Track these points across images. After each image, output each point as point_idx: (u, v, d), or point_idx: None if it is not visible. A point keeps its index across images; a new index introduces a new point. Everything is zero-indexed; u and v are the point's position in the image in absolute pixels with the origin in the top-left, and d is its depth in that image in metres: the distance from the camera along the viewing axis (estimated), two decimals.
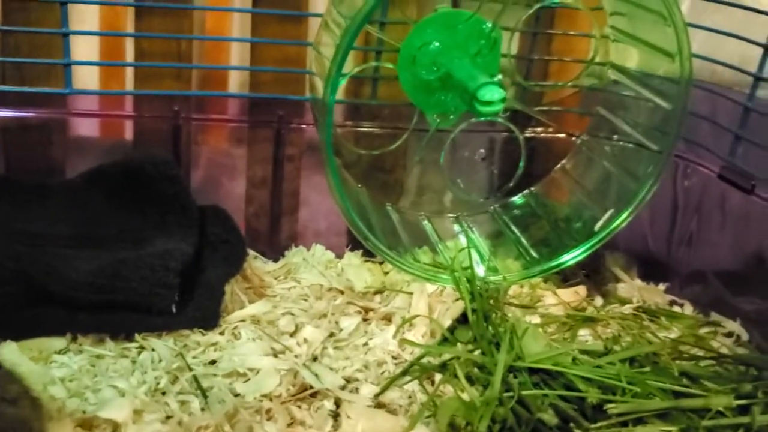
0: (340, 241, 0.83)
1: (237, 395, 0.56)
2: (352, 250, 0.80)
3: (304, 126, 0.79)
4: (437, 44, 0.70)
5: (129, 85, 0.83)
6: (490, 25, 0.70)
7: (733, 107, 0.72)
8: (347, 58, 0.79)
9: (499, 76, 0.71)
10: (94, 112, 0.77)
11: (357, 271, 0.76)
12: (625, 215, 0.70)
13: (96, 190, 0.70)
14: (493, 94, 0.64)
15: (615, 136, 0.75)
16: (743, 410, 0.54)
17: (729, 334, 0.70)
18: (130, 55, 0.82)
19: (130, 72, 0.82)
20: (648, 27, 0.67)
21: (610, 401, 0.53)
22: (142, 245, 0.63)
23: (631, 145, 0.74)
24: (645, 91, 0.71)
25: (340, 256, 0.80)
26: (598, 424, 0.51)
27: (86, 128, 0.82)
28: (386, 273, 0.77)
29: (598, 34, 0.73)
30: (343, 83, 0.88)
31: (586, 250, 0.71)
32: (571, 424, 0.52)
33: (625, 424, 0.52)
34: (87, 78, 0.88)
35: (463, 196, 0.80)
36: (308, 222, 0.86)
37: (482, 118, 0.72)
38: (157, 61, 0.80)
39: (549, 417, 0.51)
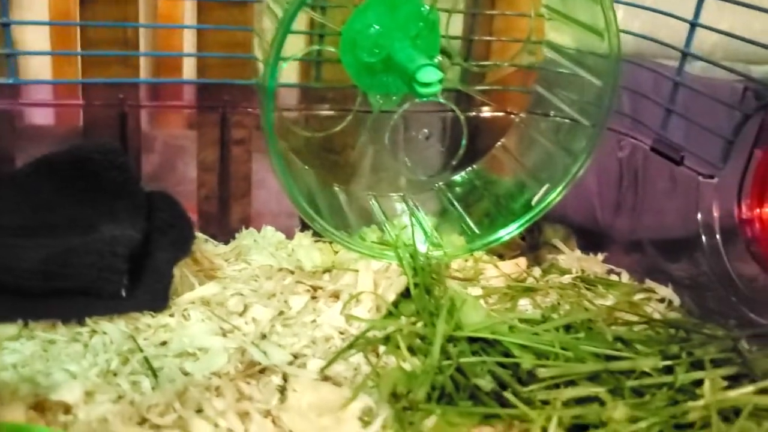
0: (293, 222, 0.85)
1: (187, 374, 0.57)
2: (302, 231, 0.82)
3: (250, 110, 0.81)
4: (377, 27, 0.72)
5: (78, 72, 0.83)
6: (428, 7, 0.72)
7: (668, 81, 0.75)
8: (293, 42, 0.81)
9: (439, 58, 0.73)
10: (40, 102, 0.77)
11: (307, 251, 0.78)
12: (559, 190, 0.72)
13: (44, 179, 0.70)
14: (431, 76, 0.66)
15: (552, 113, 0.78)
16: (670, 370, 0.57)
17: (662, 300, 0.74)
18: (78, 43, 0.82)
19: (80, 60, 0.83)
20: (579, 5, 0.70)
21: (544, 366, 0.56)
22: (90, 232, 0.64)
23: (567, 121, 0.76)
24: (578, 68, 0.73)
25: (291, 237, 0.82)
26: (530, 387, 0.53)
27: (35, 117, 0.82)
28: (336, 252, 0.79)
29: (533, 13, 0.75)
30: (286, 67, 0.90)
31: (522, 225, 0.74)
32: (506, 389, 0.54)
33: (557, 387, 0.55)
34: (39, 67, 0.88)
35: (408, 175, 0.83)
36: (260, 205, 0.87)
37: (422, 99, 0.74)
38: (104, 48, 0.80)
39: (484, 383, 0.54)
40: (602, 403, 0.52)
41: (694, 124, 0.71)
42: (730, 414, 0.50)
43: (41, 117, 0.82)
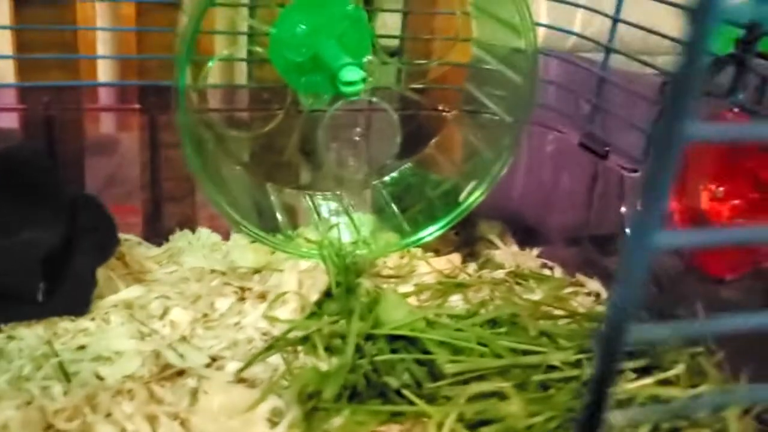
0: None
1: (101, 379, 0.57)
2: (238, 232, 0.82)
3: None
4: (304, 27, 0.72)
5: (10, 77, 0.83)
6: (352, 6, 0.72)
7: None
8: (227, 42, 0.81)
9: (369, 57, 0.73)
10: None
11: (242, 252, 0.78)
12: (483, 188, 0.73)
13: None
14: (353, 75, 0.67)
15: (481, 111, 0.78)
16: (581, 365, 0.58)
17: (590, 294, 0.74)
18: (9, 47, 0.82)
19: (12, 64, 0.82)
20: (498, 2, 0.70)
21: (456, 362, 0.56)
22: (7, 236, 0.64)
23: (496, 117, 0.77)
24: (501, 65, 0.73)
25: (228, 238, 0.81)
26: (437, 384, 0.54)
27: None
28: (273, 253, 0.78)
29: (459, 11, 0.76)
30: (226, 67, 0.90)
31: (447, 223, 0.74)
32: (420, 387, 0.54)
33: (467, 383, 0.55)
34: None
35: (343, 174, 0.83)
36: (202, 206, 0.87)
37: (348, 98, 0.74)
38: (41, 51, 0.80)
39: (392, 380, 0.54)
40: (505, 398, 0.52)
41: (617, 118, 0.71)
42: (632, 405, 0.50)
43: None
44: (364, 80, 0.68)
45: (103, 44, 1.00)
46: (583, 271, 0.78)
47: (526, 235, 0.84)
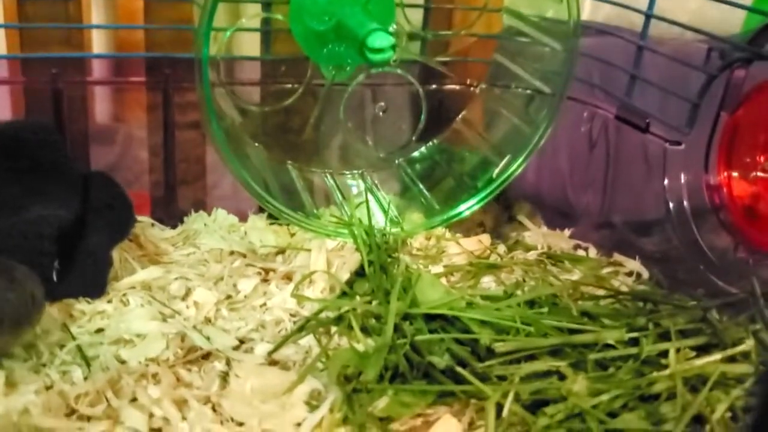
0: (248, 206, 0.81)
1: (123, 362, 0.53)
2: (256, 213, 0.78)
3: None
4: None
5: (15, 50, 0.79)
6: None
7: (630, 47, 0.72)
8: (243, 12, 0.77)
9: (394, 26, 0.70)
10: None
11: (261, 233, 0.74)
12: (520, 161, 0.69)
13: None
14: (383, 41, 0.63)
15: (513, 84, 0.75)
16: (636, 343, 0.54)
17: (630, 274, 0.71)
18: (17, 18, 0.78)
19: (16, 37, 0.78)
20: None
21: (503, 341, 0.53)
22: (19, 214, 0.60)
23: (528, 91, 0.73)
24: (537, 34, 0.70)
25: (245, 220, 0.78)
26: (487, 363, 0.50)
27: None
28: (293, 235, 0.75)
29: None
30: (248, 39, 0.85)
31: (482, 199, 0.71)
32: (464, 367, 0.51)
33: (517, 362, 0.52)
34: None
35: (367, 152, 0.79)
36: (215, 188, 0.84)
37: (378, 69, 0.71)
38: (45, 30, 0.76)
39: (439, 360, 0.51)
40: (563, 378, 0.48)
41: (659, 89, 0.68)
42: (699, 384, 0.47)
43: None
44: (393, 47, 0.64)
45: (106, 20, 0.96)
46: (618, 251, 0.74)
47: (557, 216, 0.81)
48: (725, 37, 0.65)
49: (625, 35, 0.72)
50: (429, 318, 0.57)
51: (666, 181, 0.68)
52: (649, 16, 0.69)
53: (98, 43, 0.84)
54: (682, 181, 0.67)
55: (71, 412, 0.48)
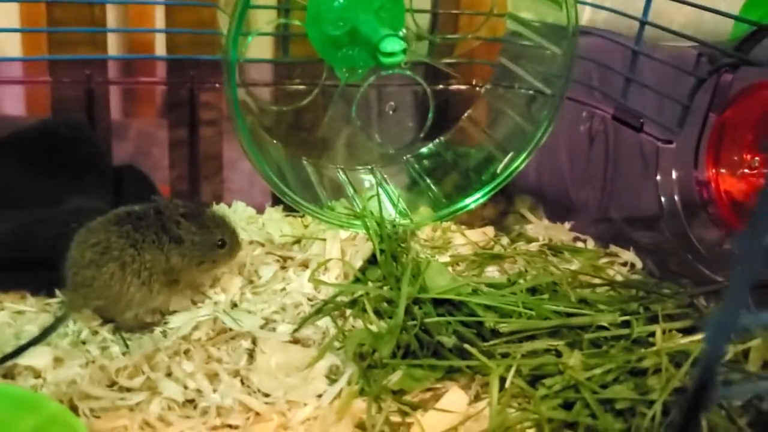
0: (264, 199, 0.86)
1: (156, 341, 0.58)
2: (273, 205, 0.83)
3: (218, 85, 0.81)
4: (341, 0, 0.73)
5: (45, 52, 0.83)
6: None
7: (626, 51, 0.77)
8: (263, 18, 0.81)
9: (404, 30, 0.74)
10: (8, 79, 0.77)
11: (277, 224, 0.79)
12: (522, 157, 0.74)
13: (11, 155, 0.71)
14: (394, 45, 0.67)
15: (516, 85, 0.79)
16: (628, 325, 0.59)
17: (625, 264, 0.76)
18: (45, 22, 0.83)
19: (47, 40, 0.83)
20: None
21: (506, 323, 0.58)
22: (58, 205, 0.65)
23: (530, 92, 0.78)
24: (539, 38, 0.74)
25: (262, 212, 0.82)
26: (492, 342, 0.55)
27: (14, 95, 0.82)
28: (306, 226, 0.79)
29: None
30: (261, 42, 0.90)
31: (487, 193, 0.76)
32: (467, 345, 0.55)
33: (519, 342, 0.57)
34: (11, 47, 0.88)
35: (377, 148, 0.84)
36: (232, 183, 0.88)
37: (388, 71, 0.75)
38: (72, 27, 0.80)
39: (447, 339, 0.55)
40: (560, 356, 0.53)
41: (652, 91, 0.73)
42: (682, 360, 0.52)
43: (7, 96, 0.82)
44: (404, 51, 0.69)
45: (123, 23, 1.00)
46: (615, 243, 0.79)
47: (557, 209, 0.85)
48: (714, 43, 0.69)
49: (621, 40, 0.77)
50: (437, 303, 0.62)
51: (658, 178, 0.73)
52: (643, 22, 0.74)
53: (115, 43, 0.88)
54: (674, 177, 0.72)
55: (112, 384, 0.53)
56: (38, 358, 0.54)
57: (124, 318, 0.59)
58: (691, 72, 0.69)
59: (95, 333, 0.59)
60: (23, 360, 0.53)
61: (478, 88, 0.85)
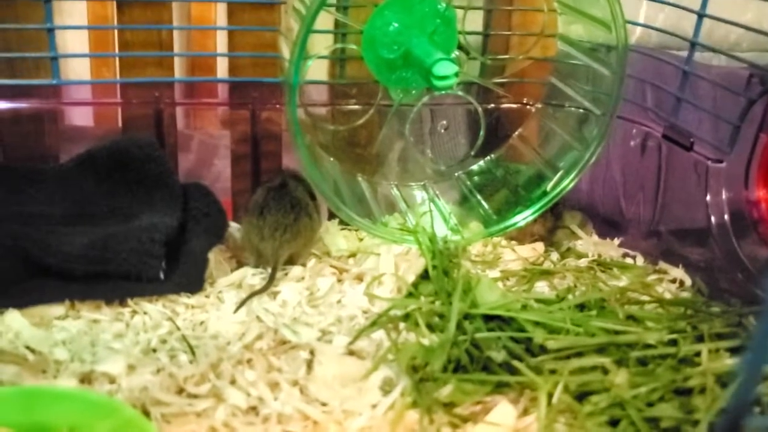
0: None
1: (221, 350, 0.62)
2: (329, 219, 0.86)
3: (278, 106, 0.85)
4: (396, 25, 0.76)
5: (117, 73, 0.88)
6: (444, 5, 0.75)
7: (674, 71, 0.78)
8: (320, 41, 0.85)
9: (456, 53, 0.77)
10: (81, 101, 0.83)
11: (333, 238, 0.82)
12: (572, 176, 0.76)
13: (86, 173, 0.75)
14: (447, 69, 0.70)
15: (566, 104, 0.81)
16: (675, 343, 0.60)
17: (674, 281, 0.76)
18: (116, 47, 0.88)
19: (116, 62, 0.88)
20: (589, 0, 0.73)
21: (554, 340, 0.59)
22: (130, 221, 0.69)
23: (580, 110, 0.79)
24: (589, 59, 0.76)
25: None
26: (540, 358, 0.57)
27: (77, 117, 0.87)
28: (361, 240, 0.83)
29: (546, 8, 0.79)
30: (316, 64, 0.94)
31: (537, 210, 0.78)
32: (516, 361, 0.57)
33: (567, 359, 0.58)
34: (78, 70, 0.93)
35: (429, 165, 0.86)
36: None
37: (440, 92, 0.78)
38: (140, 50, 0.85)
39: (496, 354, 0.58)
40: (607, 373, 0.55)
41: (703, 111, 0.73)
42: (729, 381, 0.53)
43: (78, 117, 0.87)
44: (456, 74, 0.71)
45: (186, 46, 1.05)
46: (664, 260, 0.80)
47: (607, 226, 0.86)
48: (766, 65, 0.70)
49: (672, 59, 0.78)
50: (487, 318, 0.64)
51: (708, 197, 0.74)
52: (693, 43, 0.75)
53: (178, 65, 0.93)
54: (724, 197, 0.73)
55: (180, 391, 0.57)
56: (113, 364, 0.57)
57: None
58: (742, 93, 0.70)
59: (164, 341, 0.63)
60: (99, 366, 0.57)
61: (528, 107, 0.87)
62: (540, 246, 0.82)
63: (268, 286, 0.69)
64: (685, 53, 0.79)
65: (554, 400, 0.52)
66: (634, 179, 0.86)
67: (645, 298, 0.71)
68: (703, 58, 0.81)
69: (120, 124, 0.85)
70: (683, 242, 0.80)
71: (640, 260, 0.82)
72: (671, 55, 0.79)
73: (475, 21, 0.93)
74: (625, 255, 0.83)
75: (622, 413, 0.51)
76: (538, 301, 0.68)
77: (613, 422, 0.51)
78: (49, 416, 0.49)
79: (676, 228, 0.82)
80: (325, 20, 0.87)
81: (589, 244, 0.84)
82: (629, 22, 0.71)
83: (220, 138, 0.89)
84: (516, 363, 0.56)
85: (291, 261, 0.74)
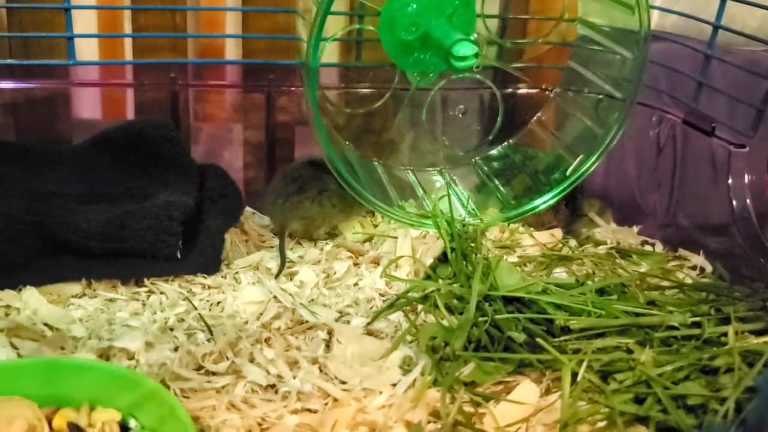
0: None
1: (239, 330, 0.61)
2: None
3: (293, 89, 0.84)
4: (415, 6, 0.75)
5: (128, 58, 0.88)
6: None
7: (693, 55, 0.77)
8: (335, 23, 0.84)
9: (475, 35, 0.76)
10: (96, 82, 0.82)
11: (349, 223, 0.81)
12: (593, 160, 0.75)
13: (102, 153, 0.75)
14: (467, 50, 0.69)
15: (585, 89, 0.80)
16: (698, 326, 0.59)
17: (694, 267, 0.75)
18: (128, 29, 0.87)
19: (128, 46, 0.87)
20: None
21: (576, 321, 0.59)
22: (147, 199, 0.68)
23: (600, 96, 0.79)
24: (610, 43, 0.75)
25: None
26: (562, 338, 0.56)
27: (86, 110, 0.87)
28: (376, 225, 0.82)
29: None
30: (328, 47, 0.93)
31: (557, 194, 0.77)
32: (538, 340, 0.57)
33: (588, 339, 0.58)
34: (87, 54, 0.93)
35: (446, 150, 0.86)
36: None
37: (459, 75, 0.77)
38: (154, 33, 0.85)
39: (517, 335, 0.57)
40: (630, 352, 0.54)
41: (724, 95, 0.73)
42: (755, 360, 0.52)
43: (92, 98, 0.87)
44: (476, 55, 0.71)
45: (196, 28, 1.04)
46: (684, 247, 0.79)
47: (625, 213, 0.86)
48: None
49: (692, 44, 0.77)
50: (506, 300, 0.63)
51: (730, 181, 0.73)
52: (716, 26, 0.74)
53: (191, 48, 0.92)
54: (746, 181, 0.72)
55: (199, 368, 0.56)
56: (131, 341, 0.57)
57: (318, 233, 0.76)
58: (765, 75, 0.69)
59: (181, 320, 0.62)
60: (117, 342, 0.57)
61: (547, 92, 0.86)
62: (558, 232, 0.81)
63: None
64: (700, 39, 0.78)
65: (578, 378, 0.52)
66: (651, 167, 0.85)
67: (666, 283, 0.70)
68: (721, 44, 0.80)
69: (133, 105, 0.85)
70: (702, 230, 0.79)
71: (659, 248, 0.81)
72: (690, 39, 0.78)
73: (493, 4, 0.92)
74: (644, 243, 0.82)
75: (647, 391, 0.50)
76: (557, 285, 0.67)
77: (639, 400, 0.50)
78: (70, 388, 0.48)
79: (694, 216, 0.81)
80: (340, 1, 0.87)
81: (607, 231, 0.83)
82: (653, 7, 0.70)
83: (229, 122, 0.88)
84: (540, 341, 0.55)
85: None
